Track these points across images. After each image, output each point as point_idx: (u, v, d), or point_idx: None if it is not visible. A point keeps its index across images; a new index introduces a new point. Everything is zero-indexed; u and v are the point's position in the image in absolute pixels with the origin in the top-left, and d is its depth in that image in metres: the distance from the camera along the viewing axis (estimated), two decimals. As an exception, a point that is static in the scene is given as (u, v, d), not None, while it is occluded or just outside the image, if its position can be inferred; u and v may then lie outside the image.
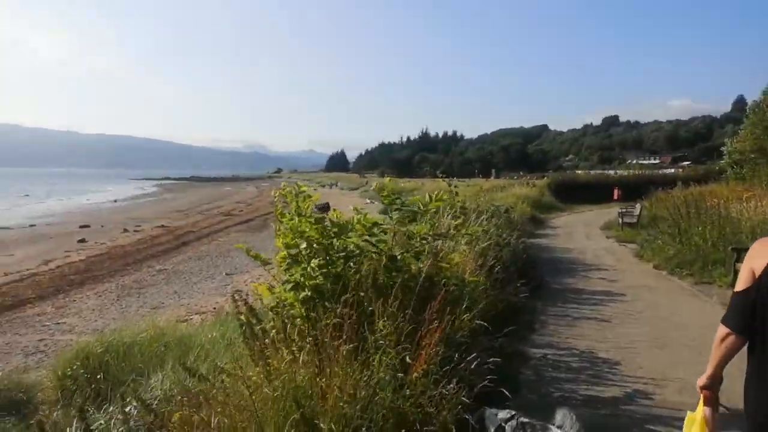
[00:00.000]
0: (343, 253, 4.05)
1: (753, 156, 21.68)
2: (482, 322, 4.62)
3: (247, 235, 24.13)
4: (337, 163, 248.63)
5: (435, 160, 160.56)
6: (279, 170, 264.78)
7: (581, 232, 17.57)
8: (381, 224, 4.40)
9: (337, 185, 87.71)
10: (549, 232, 17.98)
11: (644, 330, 6.21)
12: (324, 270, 3.88)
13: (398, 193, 4.62)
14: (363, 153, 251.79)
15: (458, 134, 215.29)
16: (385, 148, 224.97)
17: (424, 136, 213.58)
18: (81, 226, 26.32)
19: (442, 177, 12.73)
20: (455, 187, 10.93)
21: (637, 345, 5.64)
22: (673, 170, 55.03)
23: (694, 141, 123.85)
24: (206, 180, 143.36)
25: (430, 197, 4.48)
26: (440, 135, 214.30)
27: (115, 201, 51.85)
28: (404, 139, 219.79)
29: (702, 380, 2.08)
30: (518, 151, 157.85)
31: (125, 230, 24.79)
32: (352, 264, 4.04)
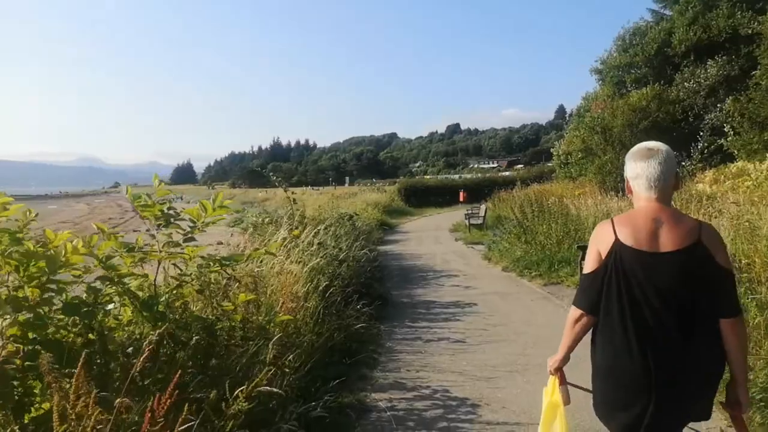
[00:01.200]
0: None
1: (580, 155, 23.25)
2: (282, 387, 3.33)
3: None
4: (184, 175, 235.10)
5: (288, 168, 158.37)
6: (117, 185, 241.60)
7: (431, 236, 17.20)
8: (137, 248, 2.90)
9: (182, 198, 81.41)
10: (399, 237, 17.38)
11: (502, 349, 5.37)
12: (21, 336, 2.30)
13: (168, 201, 3.14)
14: (212, 164, 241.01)
15: (311, 143, 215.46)
16: (235, 158, 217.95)
17: (277, 145, 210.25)
18: None
19: (276, 181, 11.26)
20: (293, 193, 9.65)
21: (497, 372, 4.73)
22: (509, 173, 59.23)
23: (526, 146, 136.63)
24: (27, 198, 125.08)
25: (204, 207, 3.06)
26: (293, 144, 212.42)
27: None
28: (256, 149, 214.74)
29: (556, 363, 2.25)
30: (370, 159, 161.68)
31: None
32: (77, 321, 2.52)
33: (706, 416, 2.00)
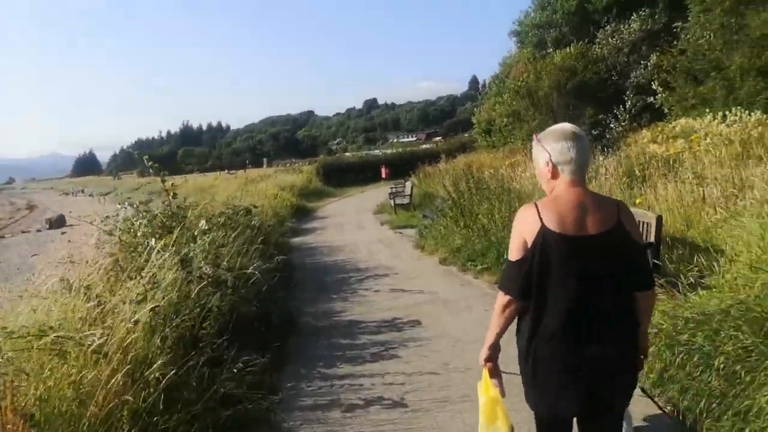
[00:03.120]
0: None
1: (505, 122, 21.93)
2: None
3: None
4: (86, 165, 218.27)
5: (201, 153, 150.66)
6: (11, 180, 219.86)
7: (353, 221, 15.18)
8: None
9: (83, 191, 74.33)
10: (317, 225, 15.22)
11: (465, 415, 3.47)
12: None
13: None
14: (117, 152, 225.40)
15: (224, 125, 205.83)
16: (143, 145, 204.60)
17: (187, 128, 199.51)
18: None
19: (151, 167, 8.70)
20: (172, 185, 7.32)
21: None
22: (429, 145, 58.04)
23: (442, 118, 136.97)
24: None
25: None
26: (204, 127, 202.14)
27: None
28: (164, 134, 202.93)
29: (484, 353, 2.15)
30: (288, 138, 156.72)
31: None
32: None
33: (633, 388, 2.10)
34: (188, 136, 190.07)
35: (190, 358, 3.50)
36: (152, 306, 3.56)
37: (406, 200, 15.58)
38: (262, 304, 5.08)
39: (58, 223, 28.66)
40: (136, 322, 3.48)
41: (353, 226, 14.26)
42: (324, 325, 5.66)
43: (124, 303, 3.50)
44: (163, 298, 3.73)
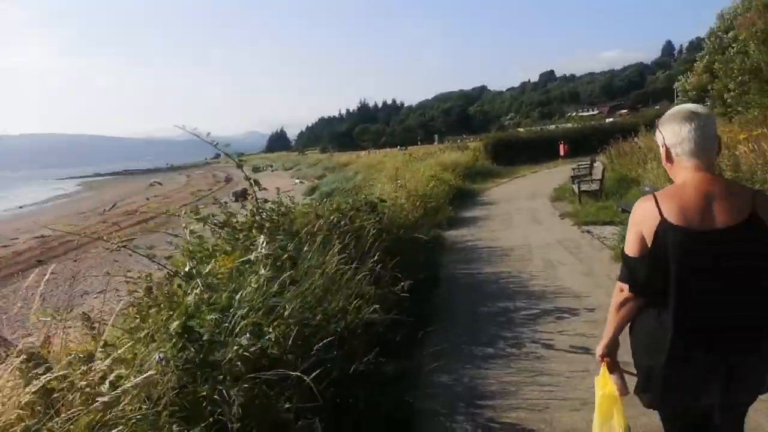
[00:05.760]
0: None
1: (734, 84, 16.86)
2: None
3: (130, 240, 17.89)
4: (278, 142, 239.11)
5: (376, 130, 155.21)
6: (217, 156, 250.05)
7: (525, 211, 12.29)
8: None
9: (272, 166, 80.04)
10: (479, 213, 12.63)
11: None
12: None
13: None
14: (304, 130, 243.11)
15: (398, 102, 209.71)
16: (325, 123, 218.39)
17: (364, 106, 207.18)
18: (-56, 247, 19.33)
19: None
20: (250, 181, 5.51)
21: None
22: (612, 119, 51.18)
23: (628, 89, 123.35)
24: (138, 172, 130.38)
25: None
26: (380, 104, 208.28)
27: (21, 207, 41.54)
28: (344, 112, 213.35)
29: (601, 349, 1.99)
30: (459, 114, 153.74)
31: (-10, 247, 18.32)
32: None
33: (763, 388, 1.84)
34: (365, 113, 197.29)
35: None
36: None
37: (595, 186, 12.21)
38: (349, 392, 2.78)
39: (242, 196, 30.26)
40: None
41: (525, 217, 11.42)
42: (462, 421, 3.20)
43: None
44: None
